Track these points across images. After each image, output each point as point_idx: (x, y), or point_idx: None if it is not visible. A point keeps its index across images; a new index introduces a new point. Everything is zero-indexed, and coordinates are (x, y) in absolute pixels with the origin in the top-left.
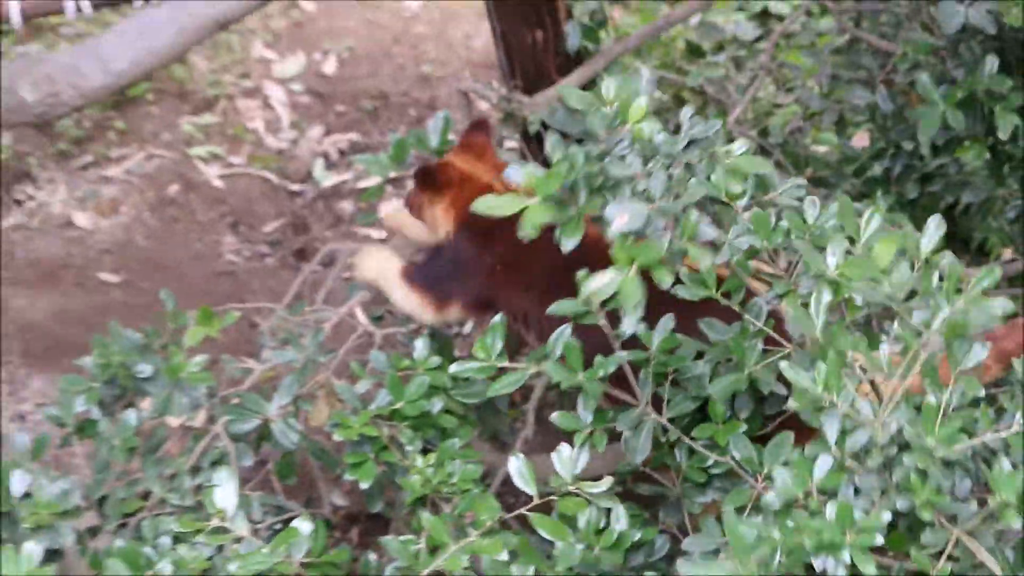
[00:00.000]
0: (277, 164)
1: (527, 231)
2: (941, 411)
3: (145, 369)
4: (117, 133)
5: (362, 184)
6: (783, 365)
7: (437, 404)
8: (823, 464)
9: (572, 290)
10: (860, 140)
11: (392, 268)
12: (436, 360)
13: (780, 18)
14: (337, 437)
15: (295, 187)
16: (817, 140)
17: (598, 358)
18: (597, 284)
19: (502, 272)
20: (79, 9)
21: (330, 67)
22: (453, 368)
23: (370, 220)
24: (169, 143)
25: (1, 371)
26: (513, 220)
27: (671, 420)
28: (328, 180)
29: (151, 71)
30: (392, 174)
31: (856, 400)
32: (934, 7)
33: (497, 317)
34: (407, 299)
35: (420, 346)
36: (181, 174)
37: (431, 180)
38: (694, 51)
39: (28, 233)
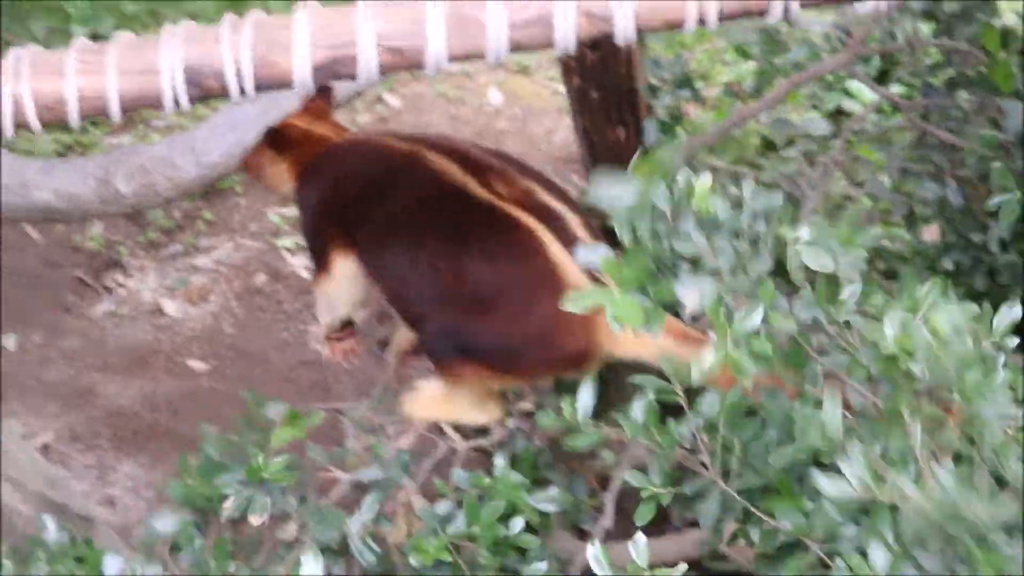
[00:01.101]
0: None
1: (612, 324)
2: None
3: (232, 482)
4: (206, 223)
5: None
6: (820, 481)
7: (517, 524)
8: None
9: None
10: (931, 234)
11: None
12: (517, 477)
13: (851, 115)
14: (413, 561)
15: None
16: (888, 234)
17: (670, 422)
18: (706, 363)
19: (347, 204)
20: (177, 103)
21: None
22: (543, 420)
23: None
24: (256, 234)
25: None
26: (344, 155)
27: (739, 492)
28: None
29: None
30: None
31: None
32: (1000, 102)
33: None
34: (314, 287)
35: (500, 464)
36: (268, 264)
37: (275, 138)
38: (767, 146)
39: (118, 320)
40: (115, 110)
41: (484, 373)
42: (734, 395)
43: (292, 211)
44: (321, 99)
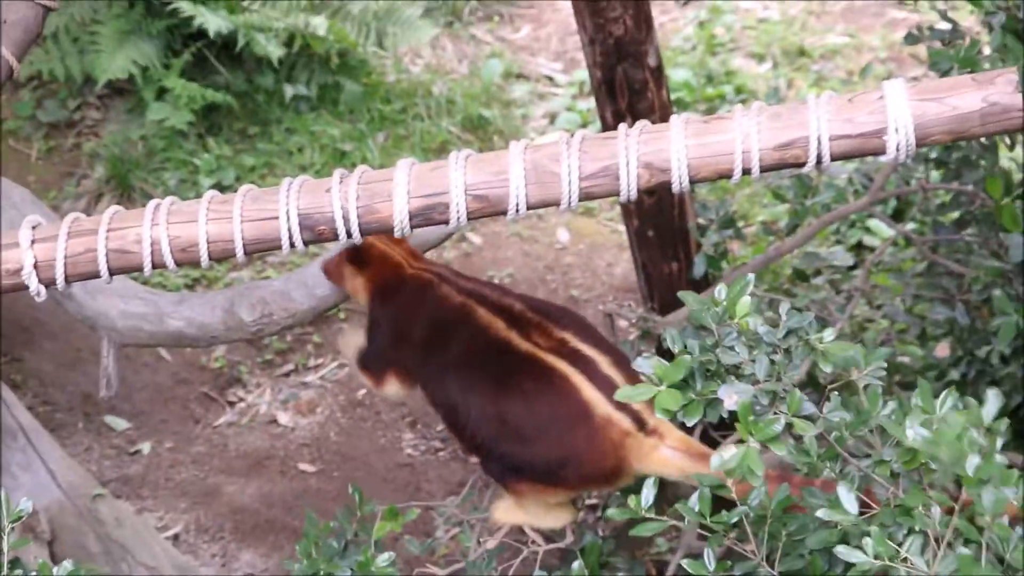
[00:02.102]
0: None
1: (659, 415)
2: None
3: (345, 571)
4: (314, 346)
5: None
6: (839, 548)
7: None
8: None
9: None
10: (942, 351)
11: (353, 352)
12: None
13: (871, 249)
14: None
15: None
16: (904, 351)
17: (724, 512)
18: (726, 457)
19: (410, 342)
20: (292, 244)
21: None
22: (611, 513)
23: None
24: None
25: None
26: (412, 294)
27: (782, 575)
28: None
29: (348, 297)
30: None
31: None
32: (1002, 236)
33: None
34: (362, 380)
35: (576, 566)
36: None
37: (356, 255)
38: (799, 275)
39: (239, 429)
40: (240, 252)
41: (537, 488)
42: (781, 493)
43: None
44: None
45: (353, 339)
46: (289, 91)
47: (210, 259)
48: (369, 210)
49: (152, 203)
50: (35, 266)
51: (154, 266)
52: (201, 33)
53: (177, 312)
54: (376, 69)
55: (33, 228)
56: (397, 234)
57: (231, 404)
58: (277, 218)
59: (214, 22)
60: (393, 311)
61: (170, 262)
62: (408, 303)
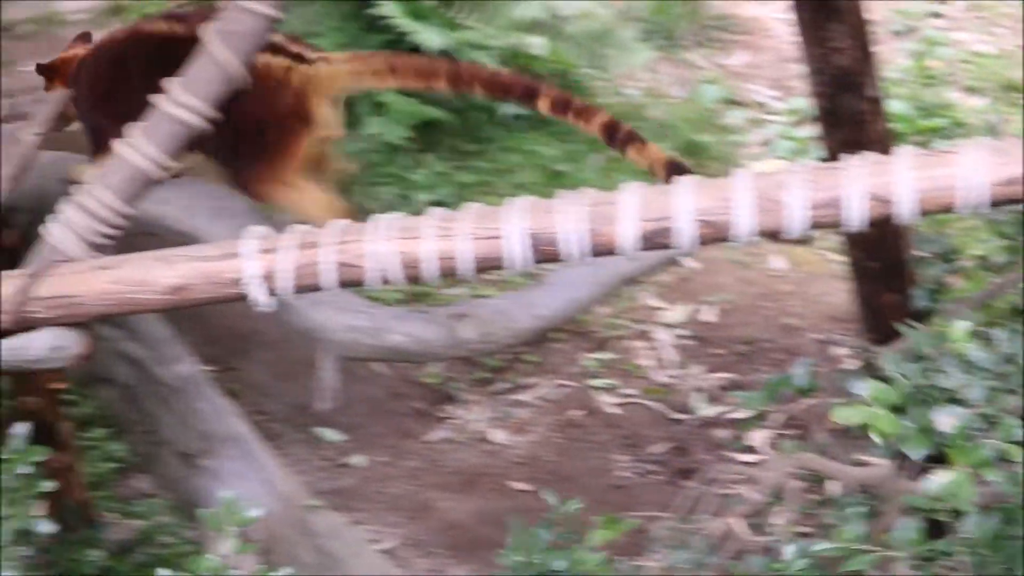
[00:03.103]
0: (663, 396)
1: (875, 439)
2: None
3: (561, 565)
4: (528, 364)
5: (738, 416)
6: None
7: None
8: None
9: None
10: None
11: None
12: (801, 564)
13: None
14: None
15: (679, 416)
16: None
17: (939, 543)
18: (938, 483)
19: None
20: (518, 263)
21: (709, 316)
22: (819, 547)
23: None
24: (572, 375)
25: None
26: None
27: None
28: (708, 411)
29: (570, 318)
30: (764, 409)
31: None
32: None
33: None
34: None
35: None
36: (582, 401)
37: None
38: (1017, 311)
39: (452, 445)
40: (466, 270)
41: (268, 172)
42: (997, 521)
43: (602, 356)
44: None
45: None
46: (506, 109)
47: (436, 276)
48: (595, 232)
49: (378, 217)
50: (260, 276)
51: (381, 281)
52: (418, 49)
53: (398, 327)
54: (592, 90)
55: (257, 238)
56: (624, 255)
57: (445, 420)
58: (503, 237)
59: (432, 39)
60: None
61: (397, 277)
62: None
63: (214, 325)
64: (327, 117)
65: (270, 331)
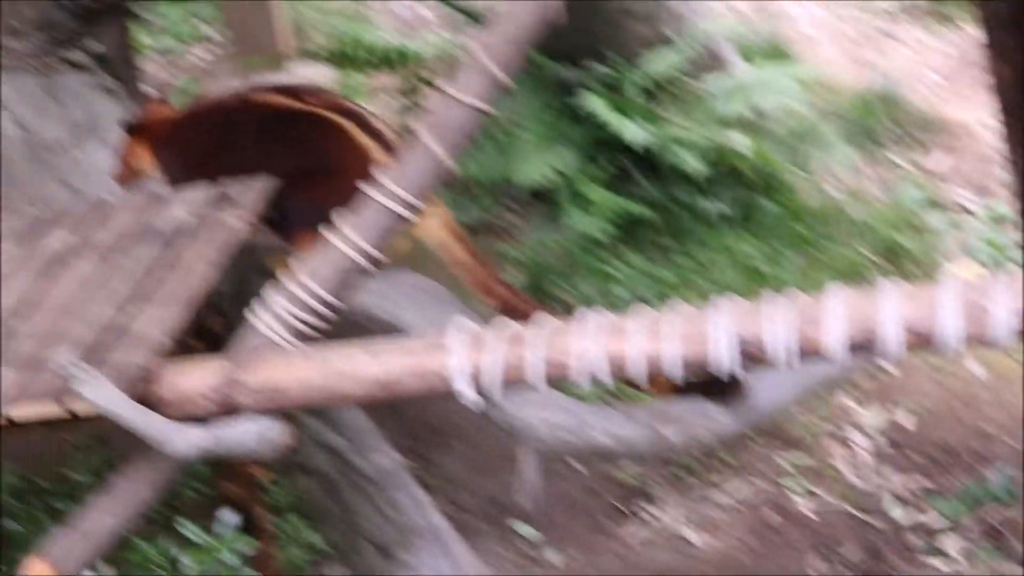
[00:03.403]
0: (858, 499)
1: None
2: None
3: None
4: (722, 463)
5: (933, 522)
6: None
7: None
8: None
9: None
10: None
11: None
12: None
13: None
14: None
15: (873, 520)
16: None
17: None
18: None
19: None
20: (723, 365)
21: (905, 419)
22: None
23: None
24: (767, 475)
25: None
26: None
27: None
28: (902, 516)
29: (775, 416)
30: (959, 516)
31: None
32: None
33: None
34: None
35: None
36: (776, 502)
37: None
38: None
39: (647, 544)
40: (673, 371)
41: None
42: None
43: (796, 456)
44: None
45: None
46: (707, 207)
47: (642, 377)
48: (803, 337)
49: (585, 314)
50: (467, 372)
51: (588, 380)
52: (622, 144)
53: (600, 425)
54: (794, 189)
55: (465, 332)
56: (831, 361)
57: (639, 518)
58: (710, 339)
59: (636, 134)
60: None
61: (604, 377)
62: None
63: (411, 417)
64: None
65: (467, 425)
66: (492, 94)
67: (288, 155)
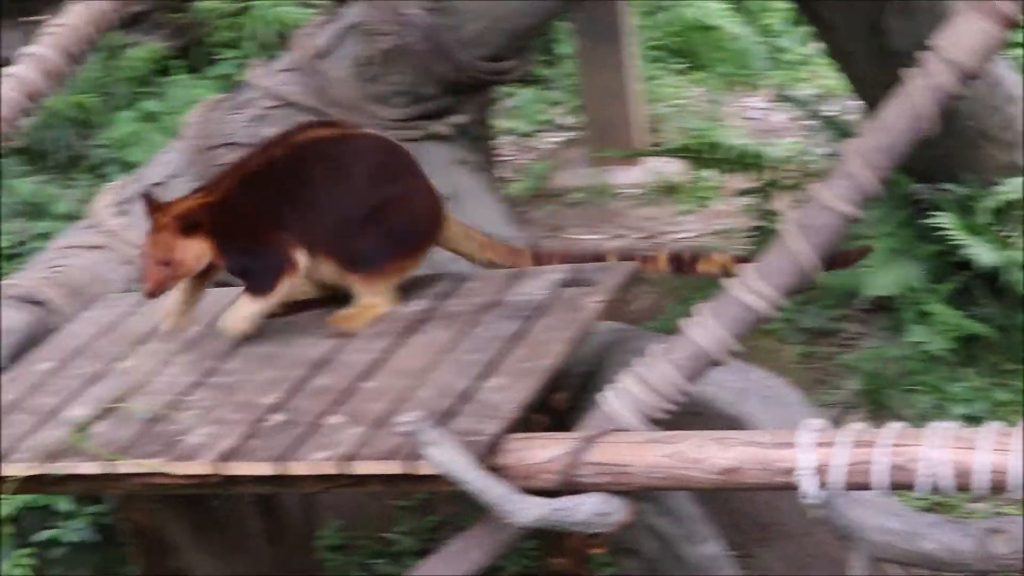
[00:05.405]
0: None
1: None
2: None
3: None
4: None
5: None
6: None
7: None
8: None
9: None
10: None
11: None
12: None
13: None
14: None
15: None
16: None
17: None
18: None
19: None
20: None
21: None
22: None
23: None
24: None
25: None
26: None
27: None
28: None
29: None
30: None
31: None
32: None
33: None
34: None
35: None
36: None
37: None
38: None
39: None
40: (1017, 486)
41: (407, 262)
42: None
43: None
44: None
45: (242, 308)
46: None
47: (987, 489)
48: None
49: (935, 425)
50: (814, 469)
51: (931, 488)
52: (967, 263)
53: (931, 534)
54: None
55: (814, 431)
56: None
57: None
58: None
59: (985, 255)
60: (240, 218)
61: (948, 486)
62: (240, 201)
63: (735, 509)
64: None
65: (791, 523)
66: (860, 201)
67: (360, 181)
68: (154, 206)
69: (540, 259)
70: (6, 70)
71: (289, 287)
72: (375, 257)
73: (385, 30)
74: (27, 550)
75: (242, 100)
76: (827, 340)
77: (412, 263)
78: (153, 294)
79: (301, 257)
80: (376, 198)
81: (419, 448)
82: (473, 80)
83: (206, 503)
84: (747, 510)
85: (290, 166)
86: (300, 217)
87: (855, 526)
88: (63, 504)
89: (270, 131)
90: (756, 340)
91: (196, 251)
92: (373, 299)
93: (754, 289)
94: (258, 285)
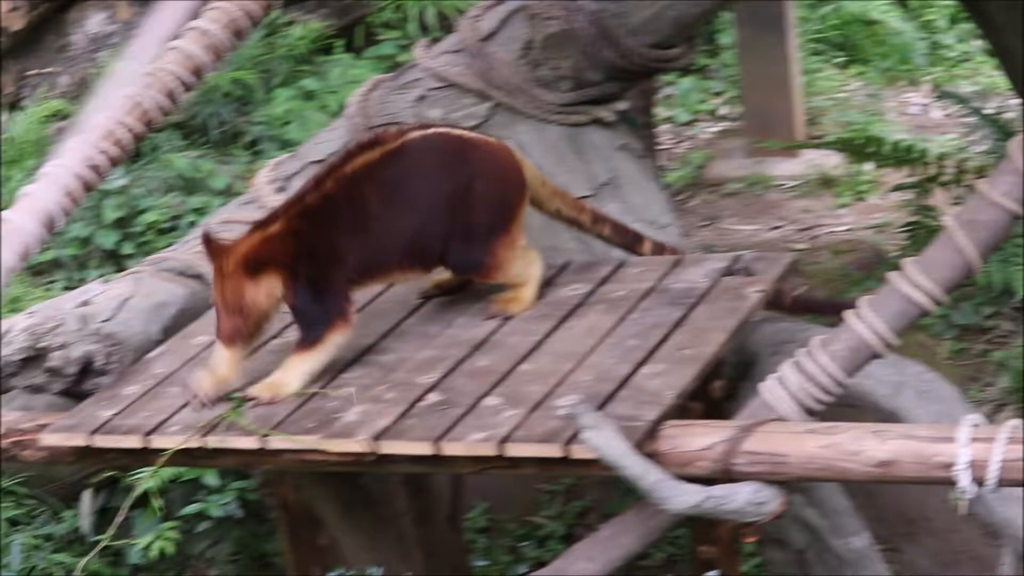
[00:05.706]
0: None
1: None
2: None
3: None
4: None
5: None
6: None
7: None
8: None
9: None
10: None
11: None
12: None
13: None
14: None
15: None
16: None
17: None
18: None
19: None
20: None
21: None
22: None
23: None
24: None
25: None
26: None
27: None
28: None
29: None
30: None
31: None
32: None
33: None
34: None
35: None
36: None
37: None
38: None
39: None
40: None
41: (510, 239)
42: None
43: None
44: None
45: (292, 368)
46: None
47: None
48: None
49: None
50: (970, 464)
51: None
52: None
53: None
54: None
55: (973, 426)
56: None
57: None
58: None
59: None
60: (304, 247)
61: None
62: (305, 235)
63: (882, 504)
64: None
65: (938, 518)
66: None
67: (420, 192)
68: (215, 250)
69: (596, 220)
70: (171, 43)
71: (339, 343)
72: (480, 255)
73: (552, 14)
74: (172, 523)
75: (406, 80)
76: (980, 337)
77: (517, 227)
78: (232, 345)
79: (353, 307)
80: (445, 198)
81: (578, 432)
82: (638, 67)
83: (356, 481)
84: (894, 505)
85: (345, 199)
86: (360, 246)
87: (1006, 522)
88: (210, 478)
89: (433, 112)
90: (909, 335)
91: (267, 289)
92: (515, 280)
93: (916, 283)
94: (309, 334)
